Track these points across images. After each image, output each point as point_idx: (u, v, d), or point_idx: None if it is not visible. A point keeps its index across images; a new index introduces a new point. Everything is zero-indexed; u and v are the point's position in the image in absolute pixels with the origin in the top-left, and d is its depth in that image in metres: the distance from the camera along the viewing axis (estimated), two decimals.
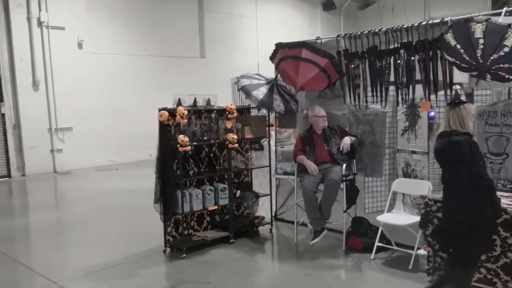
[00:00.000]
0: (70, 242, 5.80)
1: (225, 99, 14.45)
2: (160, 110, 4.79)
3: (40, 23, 10.39)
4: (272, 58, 5.64)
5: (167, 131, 4.87)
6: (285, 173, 5.54)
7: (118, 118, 11.87)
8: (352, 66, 4.84)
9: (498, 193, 3.29)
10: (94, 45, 11.31)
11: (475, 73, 3.69)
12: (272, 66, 5.72)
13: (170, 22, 12.86)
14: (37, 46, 10.37)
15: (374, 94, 4.69)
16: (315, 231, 5.04)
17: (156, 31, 12.53)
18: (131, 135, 12.07)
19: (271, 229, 5.69)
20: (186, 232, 5.24)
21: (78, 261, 4.89)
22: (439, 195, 3.55)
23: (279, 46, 5.52)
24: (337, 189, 4.91)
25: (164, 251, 5.04)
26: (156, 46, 12.55)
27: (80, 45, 11.03)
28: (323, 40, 5.25)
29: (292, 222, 5.35)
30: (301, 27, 16.69)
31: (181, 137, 4.64)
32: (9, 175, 10.17)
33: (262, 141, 6.57)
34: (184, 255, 4.85)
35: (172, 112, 4.74)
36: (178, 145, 4.64)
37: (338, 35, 5.07)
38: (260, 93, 5.45)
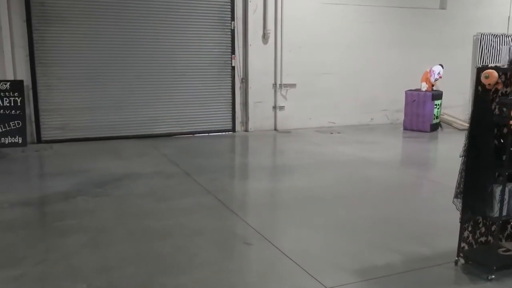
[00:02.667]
0: (320, 222, 4.87)
1: (464, 58, 12.35)
2: (482, 68, 3.37)
3: None
4: None
5: (487, 100, 3.45)
6: None
7: (344, 77, 10.85)
8: None
9: None
10: None
11: None
12: None
13: None
14: None
15: None
16: None
17: None
18: (354, 97, 10.99)
19: None
20: (482, 239, 3.86)
21: (341, 254, 3.93)
22: None
23: None
24: None
25: (456, 262, 3.75)
26: None
27: None
28: None
29: None
30: None
31: None
32: (233, 129, 10.06)
33: None
34: (493, 276, 3.49)
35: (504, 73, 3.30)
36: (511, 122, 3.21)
37: None
38: None
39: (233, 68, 9.81)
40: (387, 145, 9.19)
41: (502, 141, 3.37)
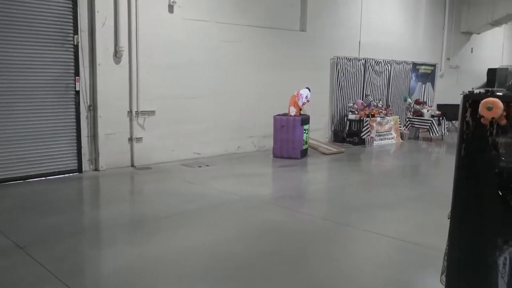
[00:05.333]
0: None
1: (324, 80, 12.26)
2: (472, 96, 2.47)
3: None
4: None
5: (485, 139, 2.57)
6: None
7: (209, 101, 9.71)
8: None
9: None
10: (188, 9, 9.07)
11: None
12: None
13: None
14: (123, 8, 8.18)
15: None
16: None
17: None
18: (220, 123, 9.92)
19: None
20: None
21: None
22: None
23: None
24: None
25: None
26: (254, 17, 10.26)
27: (171, 8, 8.78)
28: None
29: None
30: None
31: None
32: (80, 170, 8.07)
33: None
34: None
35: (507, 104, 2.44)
36: None
37: None
38: None
39: (77, 92, 7.87)
40: (267, 178, 8.30)
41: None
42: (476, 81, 17.84)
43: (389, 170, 9.55)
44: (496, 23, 17.07)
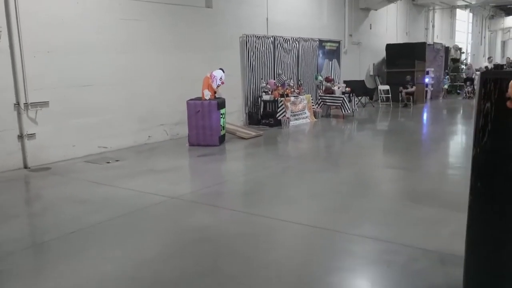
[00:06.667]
0: None
1: (234, 60, 11.57)
2: (496, 74, 1.98)
3: None
4: None
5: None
6: None
7: (114, 88, 8.61)
8: None
9: None
10: None
11: None
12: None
13: None
14: None
15: None
16: None
17: None
18: (127, 111, 8.90)
19: None
20: None
21: None
22: None
23: None
24: None
25: None
26: None
27: None
28: None
29: None
30: None
31: None
32: None
33: None
34: None
35: None
36: None
37: None
38: None
39: None
40: (188, 171, 7.53)
41: None
42: (376, 57, 18.40)
43: (312, 153, 9.25)
44: None
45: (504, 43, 38.13)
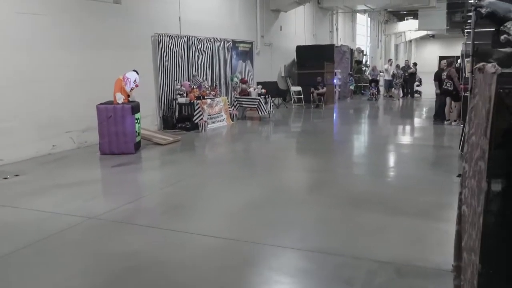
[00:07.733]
0: None
1: (147, 60, 10.78)
2: None
3: None
4: None
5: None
6: None
7: (10, 91, 7.51)
8: None
9: None
10: None
11: None
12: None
13: None
14: None
15: None
16: None
17: None
18: (27, 118, 7.85)
19: None
20: None
21: None
22: None
23: None
24: None
25: None
26: None
27: None
28: None
29: None
30: None
31: None
32: None
33: None
34: None
35: None
36: None
37: None
38: None
39: None
40: (103, 184, 6.74)
41: None
42: (286, 58, 18.53)
43: (234, 158, 8.84)
44: (301, 1, 17.86)
45: (397, 46, 40.96)
